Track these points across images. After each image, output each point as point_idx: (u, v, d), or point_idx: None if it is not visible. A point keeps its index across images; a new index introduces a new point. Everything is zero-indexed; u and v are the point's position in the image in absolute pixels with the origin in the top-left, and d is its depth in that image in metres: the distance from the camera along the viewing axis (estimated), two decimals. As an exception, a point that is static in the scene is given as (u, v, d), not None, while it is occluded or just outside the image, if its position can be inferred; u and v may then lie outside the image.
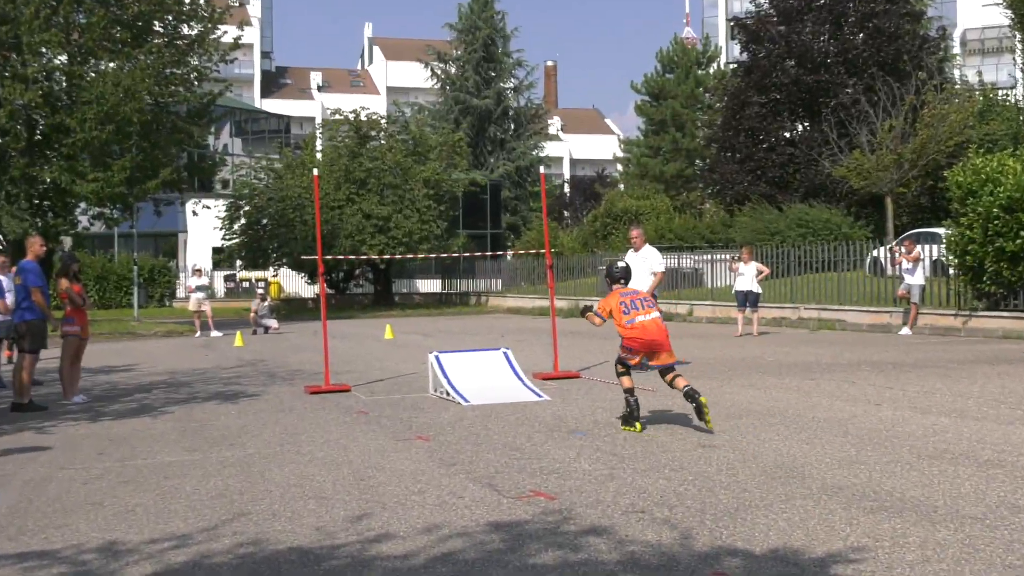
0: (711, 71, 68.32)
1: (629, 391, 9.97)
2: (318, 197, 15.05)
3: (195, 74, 32.97)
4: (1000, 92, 48.79)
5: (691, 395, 9.54)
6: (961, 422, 9.86)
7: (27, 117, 30.30)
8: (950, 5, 75.62)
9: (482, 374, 13.14)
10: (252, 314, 31.15)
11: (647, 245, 15.93)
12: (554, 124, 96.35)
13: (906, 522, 6.22)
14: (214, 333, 29.02)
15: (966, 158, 23.07)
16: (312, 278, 48.47)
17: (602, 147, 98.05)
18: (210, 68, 33.39)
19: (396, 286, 52.70)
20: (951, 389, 12.36)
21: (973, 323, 21.81)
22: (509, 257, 48.43)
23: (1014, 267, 20.40)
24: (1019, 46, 41.99)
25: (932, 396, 11.76)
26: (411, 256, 38.28)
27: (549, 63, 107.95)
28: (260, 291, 33.98)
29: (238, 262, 49.08)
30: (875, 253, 27.85)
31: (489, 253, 41.43)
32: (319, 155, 47.93)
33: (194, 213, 38.21)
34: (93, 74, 30.58)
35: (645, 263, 15.65)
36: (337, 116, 47.04)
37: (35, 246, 13.51)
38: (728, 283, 28.62)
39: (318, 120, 70.24)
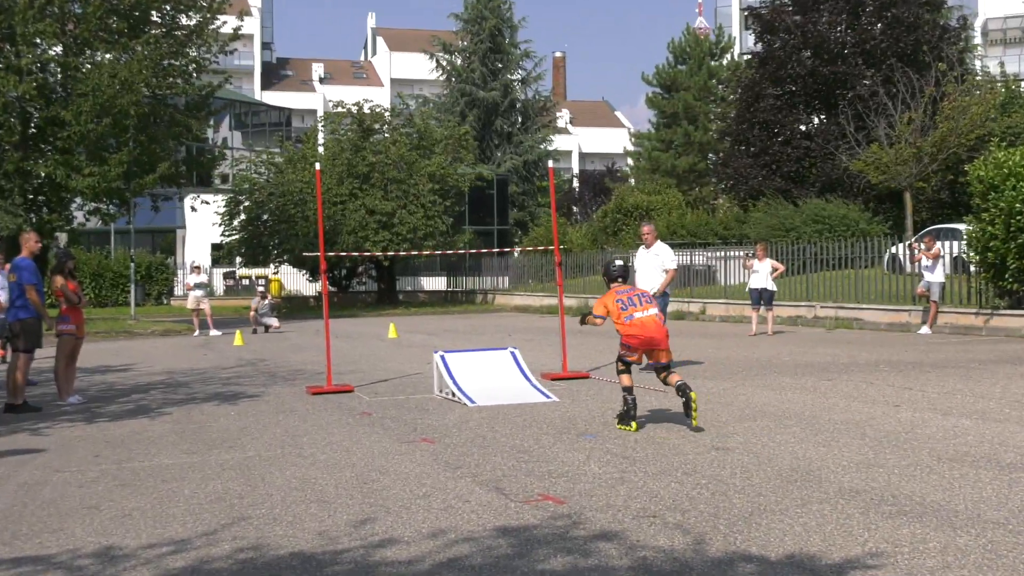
0: (724, 62, 68.23)
1: (628, 389, 10.12)
2: (320, 192, 15.06)
3: (194, 65, 32.98)
4: (1023, 84, 48.69)
5: (683, 389, 9.85)
6: (983, 424, 9.84)
7: (21, 110, 30.32)
8: (971, -7, 75.49)
9: (489, 374, 13.14)
10: (252, 312, 31.17)
11: (658, 242, 15.94)
12: (563, 117, 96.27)
13: (926, 527, 6.21)
14: (213, 332, 29.04)
15: (988, 152, 23.03)
16: (314, 275, 48.48)
17: (612, 141, 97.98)
18: (209, 59, 33.39)
19: (400, 284, 52.75)
20: (972, 390, 12.33)
21: (995, 322, 21.76)
22: (516, 254, 48.49)
23: (1037, 264, 20.36)
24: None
25: (953, 397, 11.74)
26: (415, 253, 38.34)
27: (557, 54, 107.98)
28: (260, 289, 33.98)
29: (238, 259, 49.16)
30: (893, 250, 27.79)
31: (496, 250, 41.48)
32: (321, 149, 47.94)
33: (192, 209, 38.29)
34: (89, 65, 30.60)
35: (656, 260, 15.66)
36: (339, 109, 47.07)
37: (30, 242, 13.52)
38: (742, 281, 28.59)
39: (320, 113, 70.42)
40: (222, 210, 45.34)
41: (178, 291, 51.88)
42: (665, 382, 10.24)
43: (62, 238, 35.20)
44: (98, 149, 30.43)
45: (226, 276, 56.87)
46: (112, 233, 53.10)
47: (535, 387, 12.88)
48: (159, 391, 15.07)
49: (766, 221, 38.16)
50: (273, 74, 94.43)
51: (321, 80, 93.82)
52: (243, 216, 45.28)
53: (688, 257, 33.55)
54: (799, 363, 16.30)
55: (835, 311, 25.95)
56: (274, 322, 31.01)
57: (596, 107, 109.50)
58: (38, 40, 29.74)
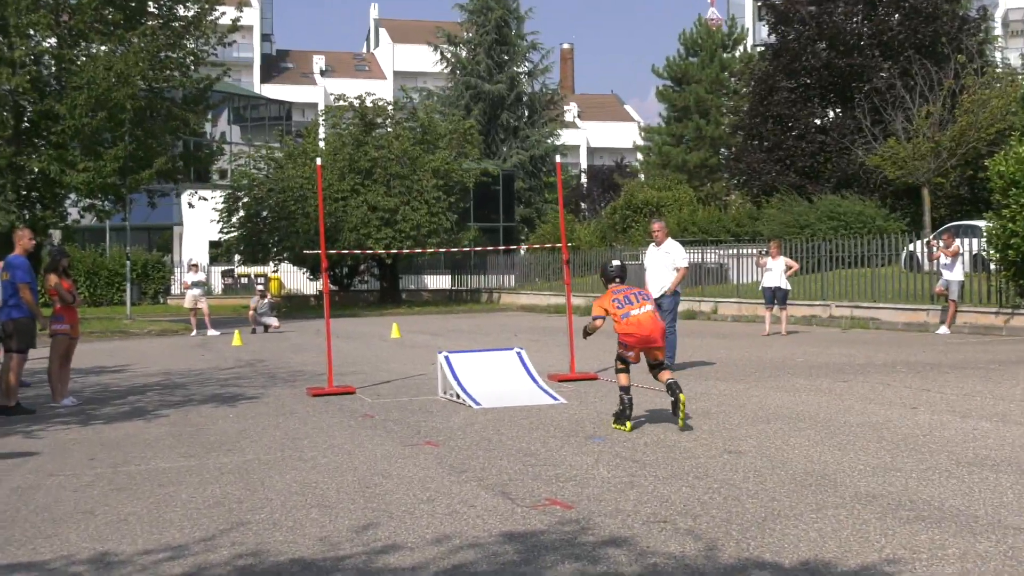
0: (737, 54, 68.21)
1: (624, 389, 10.35)
2: (321, 188, 15.07)
3: (191, 58, 32.99)
4: (1045, 76, 48.61)
5: (672, 388, 10.09)
6: (1003, 427, 9.83)
7: (14, 103, 30.35)
8: (992, -16, 75.37)
9: (494, 376, 13.14)
10: (251, 312, 31.20)
11: (669, 239, 15.94)
12: (570, 111, 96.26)
13: (945, 533, 6.20)
14: (211, 332, 29.07)
15: (1008, 146, 22.95)
16: (314, 274, 48.50)
17: (621, 135, 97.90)
18: (207, 51, 33.39)
19: (403, 282, 52.77)
20: (992, 392, 12.32)
21: (1016, 321, 21.73)
22: (523, 252, 48.44)
23: (1059, 262, 20.33)
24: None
25: (972, 399, 11.73)
26: (419, 251, 38.30)
27: (565, 46, 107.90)
28: (260, 287, 34.03)
29: (236, 257, 49.19)
30: (911, 247, 27.77)
31: (502, 247, 41.34)
32: (322, 143, 47.98)
33: (190, 205, 38.23)
34: (84, 58, 30.63)
35: (667, 258, 15.66)
36: (341, 102, 47.11)
37: (23, 240, 13.53)
38: (755, 279, 28.57)
39: (321, 106, 70.48)
40: (220, 207, 45.37)
41: (175, 290, 51.89)
42: (656, 378, 10.49)
43: (56, 235, 35.23)
44: (93, 144, 30.47)
45: (224, 274, 56.90)
46: (107, 230, 53.12)
47: (542, 389, 12.88)
48: (155, 393, 15.08)
49: (780, 218, 38.14)
50: (273, 67, 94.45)
51: (322, 73, 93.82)
52: (242, 213, 45.33)
53: (700, 255, 33.55)
54: (814, 364, 16.29)
55: (851, 310, 25.93)
56: (274, 322, 31.03)
57: (605, 100, 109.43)
58: (32, 31, 29.76)
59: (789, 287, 23.55)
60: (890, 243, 27.54)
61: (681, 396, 10.00)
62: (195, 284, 30.16)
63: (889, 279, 26.37)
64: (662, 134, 70.21)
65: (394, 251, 39.34)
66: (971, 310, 22.65)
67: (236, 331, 26.62)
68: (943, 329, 22.06)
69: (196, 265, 32.27)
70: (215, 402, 13.63)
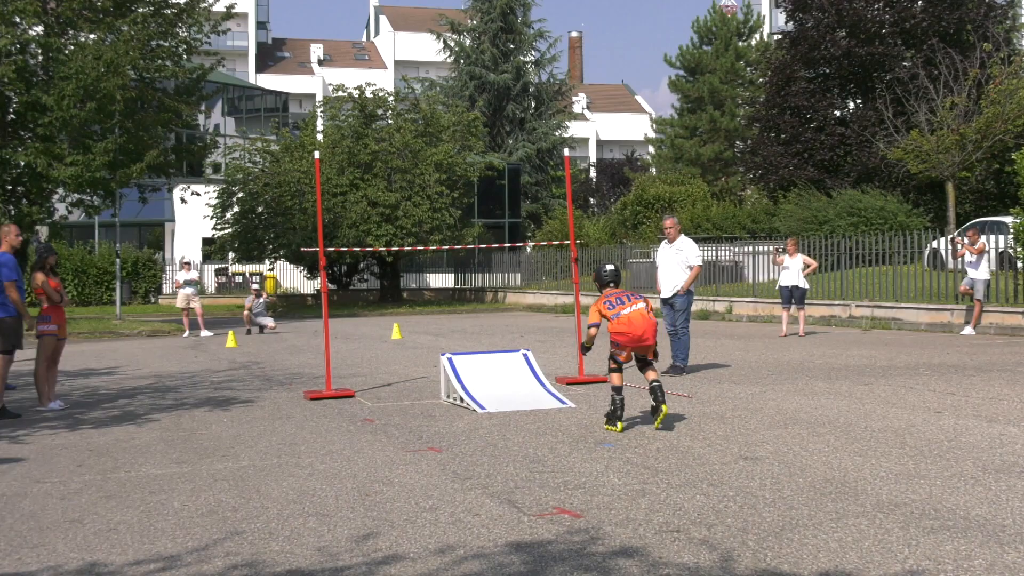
0: (753, 43, 68.18)
1: (617, 389, 10.58)
2: (319, 182, 15.06)
3: (184, 47, 33.05)
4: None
5: (656, 392, 10.43)
6: (1032, 432, 9.82)
7: (-1, 94, 30.45)
8: (1019, -32, 75.23)
9: (500, 378, 13.14)
10: (246, 312, 31.22)
11: (682, 236, 15.91)
12: (579, 102, 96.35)
13: (971, 543, 6.19)
14: (204, 333, 29.11)
15: (1037, 139, 22.97)
16: (312, 272, 48.59)
17: (632, 127, 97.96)
18: (200, 40, 33.46)
19: (404, 281, 52.80)
20: (1020, 395, 12.30)
21: (1044, 322, 21.73)
22: (529, 249, 48.47)
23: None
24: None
25: (999, 403, 11.71)
26: (421, 248, 38.37)
27: (574, 34, 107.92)
28: (255, 286, 34.10)
29: (231, 254, 49.20)
30: (935, 244, 27.76)
31: (507, 245, 41.45)
32: (320, 136, 47.99)
33: (182, 200, 38.30)
34: (72, 46, 30.67)
35: (680, 256, 15.64)
36: (340, 93, 47.09)
37: (10, 236, 13.51)
38: (771, 278, 28.56)
39: (319, 97, 70.51)
40: (214, 202, 45.45)
41: (167, 289, 52.03)
42: (642, 373, 10.77)
43: (43, 232, 35.27)
44: (81, 136, 30.50)
45: (218, 273, 57.00)
46: (96, 226, 53.20)
47: (549, 392, 12.88)
48: (146, 396, 15.09)
49: (797, 214, 38.13)
50: (269, 56, 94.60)
51: (320, 62, 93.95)
52: (236, 208, 45.35)
53: (714, 252, 33.53)
54: (833, 366, 16.28)
55: (871, 310, 25.91)
56: (269, 322, 31.05)
57: (615, 91, 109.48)
58: (17, 19, 29.81)
59: (807, 286, 23.52)
60: (913, 240, 27.51)
61: (664, 408, 10.37)
62: (187, 283, 30.18)
63: (912, 278, 26.35)
64: (675, 126, 70.18)
65: (395, 248, 39.40)
66: (997, 310, 22.62)
67: (230, 332, 26.64)
68: (968, 330, 22.03)
69: (189, 263, 32.29)
70: (208, 406, 13.64)
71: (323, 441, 10.53)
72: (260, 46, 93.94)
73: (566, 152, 17.76)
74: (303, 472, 8.94)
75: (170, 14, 32.31)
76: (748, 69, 66.10)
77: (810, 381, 14.29)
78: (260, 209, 44.50)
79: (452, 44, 67.82)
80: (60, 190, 32.54)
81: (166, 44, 32.30)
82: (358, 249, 39.21)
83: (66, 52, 30.26)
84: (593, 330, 10.83)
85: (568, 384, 14.33)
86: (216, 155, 47.55)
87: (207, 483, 8.61)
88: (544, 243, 39.56)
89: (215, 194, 45.33)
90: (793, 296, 23.23)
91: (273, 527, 7.10)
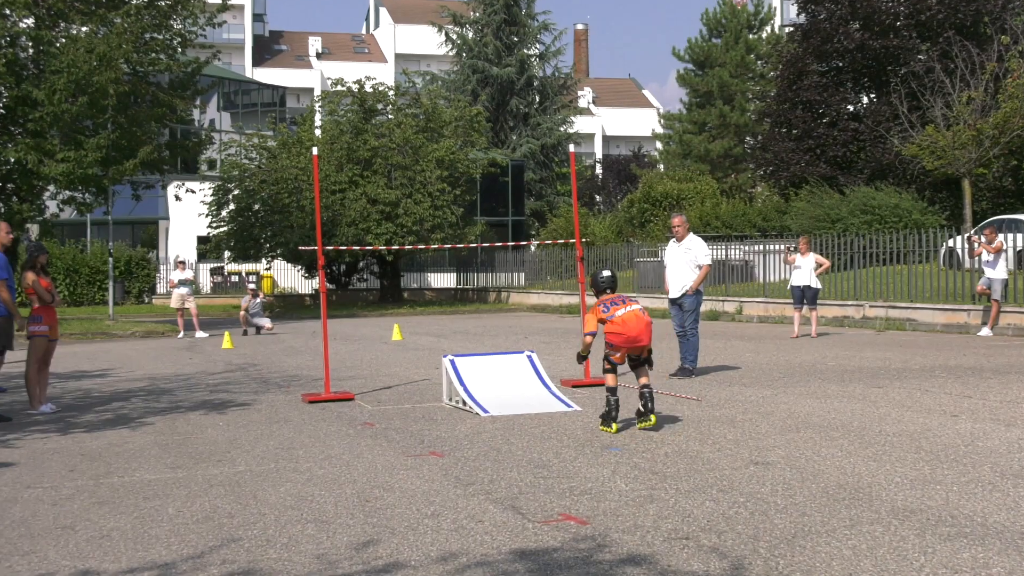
0: (764, 35, 68.20)
1: (611, 390, 10.80)
2: (317, 179, 15.06)
3: (178, 39, 33.04)
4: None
5: (645, 397, 10.69)
6: (1051, 437, 9.82)
7: (-12, 89, 30.46)
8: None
9: (503, 381, 13.13)
10: (242, 312, 31.22)
11: (691, 234, 15.91)
12: (585, 96, 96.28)
13: (988, 550, 6.18)
14: (199, 334, 29.11)
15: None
16: (310, 271, 48.63)
17: (639, 122, 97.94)
18: (195, 33, 33.44)
19: (405, 281, 52.81)
20: (1039, 399, 12.30)
21: (1064, 323, 21.72)
22: (533, 248, 48.45)
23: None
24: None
25: (1017, 406, 11.71)
26: (422, 247, 38.34)
27: (579, 26, 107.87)
28: (251, 286, 34.06)
29: (226, 253, 49.25)
30: (951, 243, 27.73)
31: (510, 243, 41.36)
32: (318, 131, 48.01)
33: (177, 198, 38.36)
34: (63, 39, 30.67)
35: (688, 255, 15.63)
36: (339, 87, 47.11)
37: (0, 234, 13.52)
38: (783, 277, 28.54)
39: (317, 92, 70.35)
40: (209, 199, 45.44)
41: (161, 288, 52.05)
42: (634, 373, 11.00)
43: (33, 230, 35.29)
44: (73, 132, 30.49)
45: (213, 272, 57.03)
46: (88, 225, 53.28)
47: (554, 395, 12.88)
48: (140, 399, 15.09)
49: (809, 211, 38.13)
50: (266, 49, 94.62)
51: (318, 55, 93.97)
52: (232, 206, 45.37)
53: (723, 251, 33.52)
54: (846, 368, 16.27)
55: (886, 311, 25.90)
56: (266, 323, 31.05)
57: (621, 85, 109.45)
58: (7, 11, 29.80)
59: (819, 286, 23.51)
60: (928, 239, 27.49)
61: (652, 418, 10.64)
62: (182, 282, 30.19)
63: (927, 277, 26.34)
64: (683, 121, 70.21)
65: (395, 247, 39.37)
66: (1015, 310, 22.61)
67: (226, 333, 26.63)
68: (985, 331, 22.02)
69: (183, 262, 32.31)
70: (204, 409, 13.64)
71: (322, 445, 10.53)
72: (257, 39, 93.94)
73: (571, 148, 17.76)
74: (301, 477, 8.94)
75: (164, 6, 32.30)
76: (759, 63, 66.14)
77: (823, 384, 14.28)
78: (257, 207, 44.51)
79: (454, 37, 67.84)
80: (51, 187, 32.53)
81: (160, 37, 32.29)
82: (357, 248, 39.26)
83: (57, 45, 30.26)
84: (589, 338, 11.06)
85: (574, 387, 14.33)
86: (211, 151, 47.48)
87: (202, 489, 8.61)
88: (549, 242, 39.53)
89: (210, 191, 45.33)
90: (805, 296, 23.21)
91: (271, 534, 7.10)
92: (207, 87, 41.31)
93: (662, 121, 76.85)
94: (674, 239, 15.98)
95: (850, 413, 11.51)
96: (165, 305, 40.67)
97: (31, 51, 31.18)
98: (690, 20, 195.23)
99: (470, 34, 67.34)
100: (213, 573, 6.25)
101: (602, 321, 10.81)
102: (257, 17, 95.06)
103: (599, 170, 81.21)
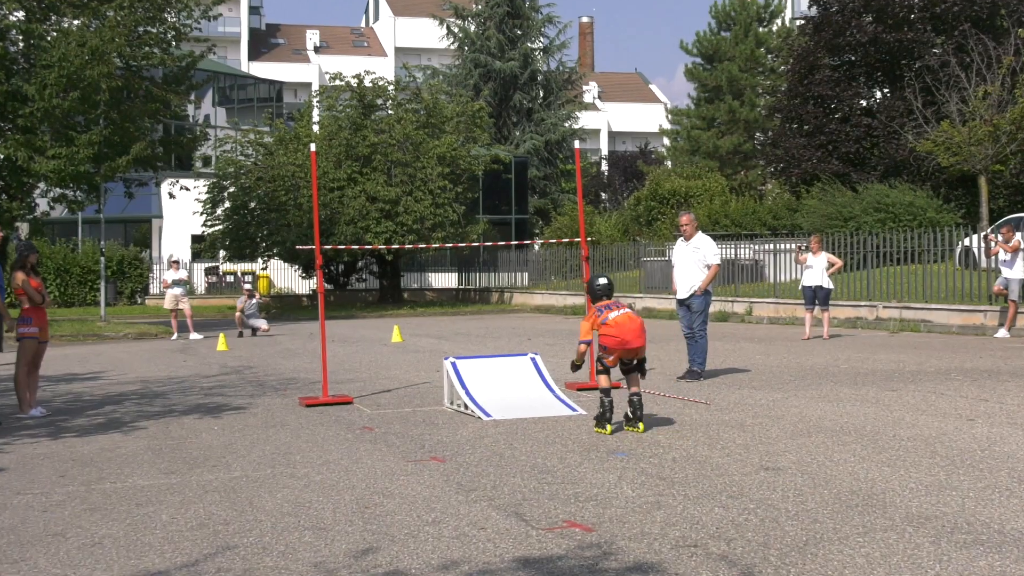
0: (775, 28, 68.22)
1: (605, 391, 10.95)
2: (315, 176, 15.06)
3: (172, 33, 33.07)
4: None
5: (634, 404, 10.93)
6: (1070, 441, 9.80)
7: (-23, 84, 30.47)
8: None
9: (506, 384, 13.12)
10: (238, 313, 31.23)
11: (699, 233, 15.89)
12: (590, 91, 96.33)
13: (1006, 558, 6.18)
14: (193, 335, 29.12)
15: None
16: (308, 271, 48.59)
17: (646, 118, 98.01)
18: (190, 26, 33.46)
19: (405, 281, 52.82)
20: (1058, 402, 12.29)
21: (1083, 324, 21.68)
22: (537, 247, 48.42)
23: None
24: None
25: (1035, 410, 11.70)
26: (423, 246, 38.33)
27: (584, 19, 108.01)
28: (247, 286, 34.07)
29: (222, 253, 49.24)
30: (967, 242, 27.70)
31: (514, 242, 41.33)
32: (316, 127, 48.02)
33: (171, 195, 38.35)
34: (55, 33, 30.69)
35: (697, 254, 15.61)
36: (337, 82, 47.12)
37: (-13, 234, 13.56)
38: (794, 277, 28.52)
39: (315, 86, 70.47)
40: (204, 197, 45.44)
41: (154, 289, 52.05)
42: (624, 377, 11.17)
43: (23, 229, 35.33)
44: (64, 128, 30.53)
45: (208, 272, 57.05)
46: (80, 223, 53.29)
47: (558, 398, 12.87)
48: (133, 402, 15.10)
49: (821, 209, 38.10)
50: (262, 42, 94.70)
51: (316, 49, 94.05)
52: (228, 204, 45.38)
53: (732, 250, 33.50)
54: (859, 371, 16.26)
55: (900, 312, 25.88)
56: (262, 324, 31.07)
57: (628, 80, 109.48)
58: (-3, 4, 29.86)
59: (831, 286, 23.48)
60: (943, 237, 27.47)
61: (640, 425, 10.87)
62: (176, 283, 30.18)
63: (942, 277, 26.31)
64: (691, 117, 70.21)
65: (395, 246, 39.36)
66: (1033, 311, 22.59)
67: (221, 334, 26.64)
68: (1002, 332, 22.00)
69: (177, 262, 32.32)
70: (198, 413, 13.64)
71: (320, 450, 10.53)
72: (253, 32, 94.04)
73: (576, 144, 17.75)
74: (298, 483, 8.94)
75: (158, -1, 32.35)
76: (769, 56, 66.12)
77: (835, 387, 14.27)
78: (253, 205, 44.52)
79: (456, 30, 67.88)
80: (42, 184, 32.57)
81: (154, 30, 32.32)
82: (356, 247, 39.24)
83: (48, 39, 30.29)
84: (583, 347, 11.23)
85: (579, 390, 14.33)
86: (206, 147, 47.50)
87: (197, 495, 8.61)
88: (553, 241, 39.50)
89: (205, 189, 45.31)
90: (817, 297, 23.19)
91: (267, 541, 7.09)
92: (202, 82, 41.29)
93: (669, 116, 76.86)
94: (682, 238, 15.97)
95: (863, 417, 11.50)
96: (158, 306, 40.63)
97: (21, 45, 31.22)
98: (698, 13, 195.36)
99: (472, 27, 67.38)
100: (208, 582, 6.25)
101: (595, 326, 11.02)
102: (253, 10, 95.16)
103: (605, 167, 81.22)
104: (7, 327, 13.50)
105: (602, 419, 10.89)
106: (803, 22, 48.38)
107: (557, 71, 69.99)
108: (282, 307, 46.85)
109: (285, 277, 53.75)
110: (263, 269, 50.65)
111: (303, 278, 51.42)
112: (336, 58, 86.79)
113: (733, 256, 33.20)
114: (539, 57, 68.08)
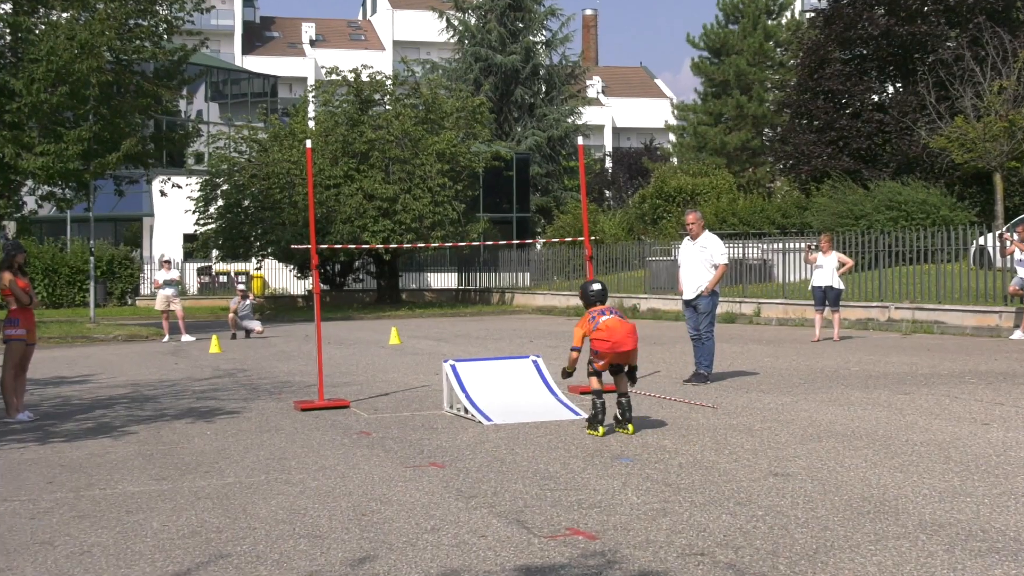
0: (784, 21, 68.15)
1: (597, 393, 11.20)
2: (311, 173, 15.05)
3: (164, 26, 33.08)
4: None
5: (623, 406, 11.17)
6: (1088, 446, 9.80)
7: (-37, 78, 30.47)
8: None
9: (507, 387, 13.13)
10: (231, 314, 31.25)
11: (706, 232, 15.87)
12: (594, 86, 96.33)
13: (1022, 567, 6.17)
14: (185, 337, 29.12)
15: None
16: (303, 271, 48.61)
17: (651, 113, 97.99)
18: (182, 19, 33.47)
19: (403, 281, 52.84)
20: (1075, 406, 12.28)
21: (1101, 326, 21.67)
22: (539, 246, 48.47)
23: None
24: None
25: (1052, 414, 11.70)
26: (422, 245, 38.38)
27: (588, 12, 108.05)
28: (241, 287, 34.07)
29: (214, 252, 49.29)
30: (981, 241, 27.70)
31: (515, 241, 41.42)
32: (312, 123, 48.02)
33: (162, 193, 38.35)
34: (43, 26, 30.71)
35: (704, 253, 15.60)
36: (334, 76, 47.12)
37: (-27, 233, 13.55)
38: (803, 277, 28.52)
39: (311, 81, 70.48)
40: (196, 195, 45.47)
41: (145, 290, 52.09)
42: (614, 379, 11.34)
43: (10, 227, 35.34)
44: (53, 123, 30.53)
45: (201, 272, 57.07)
46: (68, 222, 53.32)
47: (561, 402, 12.87)
48: (123, 406, 15.10)
49: (831, 207, 38.09)
50: (256, 36, 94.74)
51: (312, 43, 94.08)
52: (221, 202, 45.41)
53: (740, 250, 33.52)
54: (871, 374, 16.26)
55: (912, 313, 25.87)
56: (256, 325, 31.07)
57: (632, 74, 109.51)
58: (-18, -4, 29.88)
59: (842, 286, 23.48)
60: (957, 236, 27.47)
61: (630, 427, 11.06)
62: (167, 283, 30.17)
63: (956, 277, 26.31)
64: (697, 112, 70.19)
65: (393, 245, 39.38)
66: (1050, 312, 22.59)
67: (214, 336, 26.64)
68: (1018, 334, 21.99)
69: (168, 262, 32.31)
70: (191, 417, 13.64)
71: (315, 456, 10.53)
72: (247, 25, 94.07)
73: (580, 140, 17.76)
74: (294, 490, 8.94)
75: (149, -9, 32.35)
76: (778, 50, 66.07)
77: (846, 390, 14.27)
78: (246, 203, 44.56)
79: (456, 23, 67.86)
80: (29, 182, 32.59)
81: (145, 23, 32.32)
82: (353, 246, 39.27)
83: (36, 32, 30.30)
84: (575, 353, 11.40)
85: (581, 393, 14.30)
86: (199, 144, 47.65)
87: (189, 501, 8.60)
88: (556, 240, 39.62)
89: (197, 186, 45.35)
90: (827, 297, 23.18)
91: (261, 549, 7.09)
92: (194, 76, 41.23)
93: (675, 112, 76.82)
94: (688, 237, 15.95)
95: (875, 421, 11.50)
96: (149, 307, 40.69)
97: (8, 38, 31.23)
98: (705, 5, 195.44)
99: (472, 20, 67.35)
100: (200, 591, 6.25)
101: (587, 332, 11.21)
102: (247, 2, 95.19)
103: (609, 164, 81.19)
104: (-6, 329, 13.51)
105: (594, 421, 11.09)
106: (813, 15, 48.39)
107: (560, 65, 70.00)
108: (277, 308, 46.89)
109: (280, 277, 53.77)
110: (257, 269, 50.68)
111: (298, 278, 51.44)
112: (332, 52, 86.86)
113: (741, 256, 33.21)
114: (541, 51, 68.07)
